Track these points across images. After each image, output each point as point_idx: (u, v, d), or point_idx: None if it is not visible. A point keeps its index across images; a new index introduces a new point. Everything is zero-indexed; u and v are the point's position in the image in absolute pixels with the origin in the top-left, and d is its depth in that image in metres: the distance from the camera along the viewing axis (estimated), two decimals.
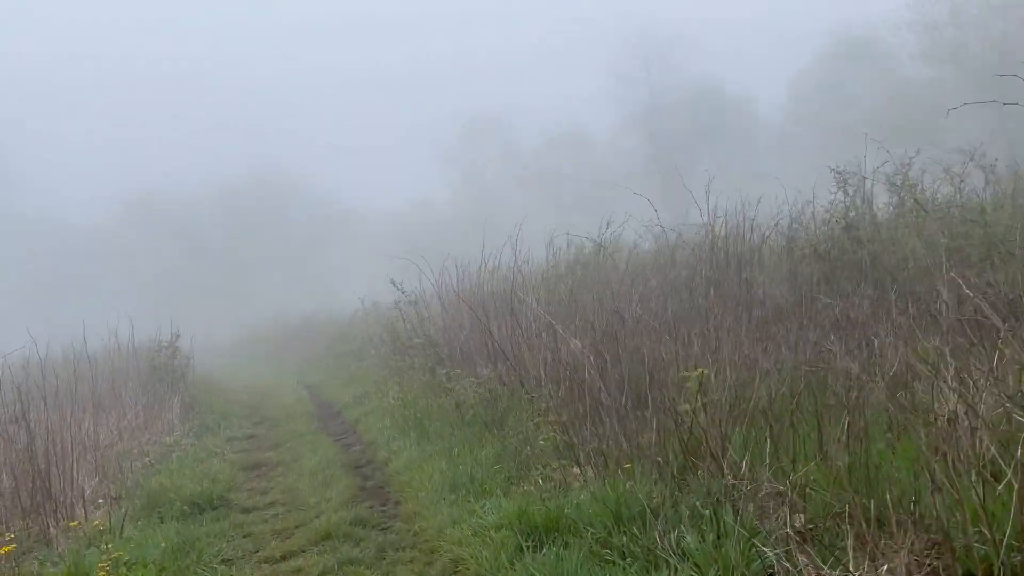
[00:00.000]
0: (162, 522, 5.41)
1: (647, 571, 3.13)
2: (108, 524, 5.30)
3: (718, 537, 3.14)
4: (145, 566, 4.37)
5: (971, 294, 3.61)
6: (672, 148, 48.86)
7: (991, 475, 2.69)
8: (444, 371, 9.11)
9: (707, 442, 3.75)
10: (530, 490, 4.51)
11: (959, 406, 2.93)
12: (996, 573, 2.43)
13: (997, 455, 2.70)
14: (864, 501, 2.82)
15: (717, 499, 3.38)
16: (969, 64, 33.81)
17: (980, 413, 2.85)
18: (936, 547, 2.68)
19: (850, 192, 8.45)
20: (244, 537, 5.06)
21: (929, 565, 2.63)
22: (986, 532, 2.46)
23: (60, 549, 5.04)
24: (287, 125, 76.22)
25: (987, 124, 28.45)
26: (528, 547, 3.61)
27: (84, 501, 5.97)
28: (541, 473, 4.82)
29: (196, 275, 52.84)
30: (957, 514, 2.59)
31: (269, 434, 9.39)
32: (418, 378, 8.84)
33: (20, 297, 49.77)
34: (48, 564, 4.65)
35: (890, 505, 2.79)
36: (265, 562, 4.52)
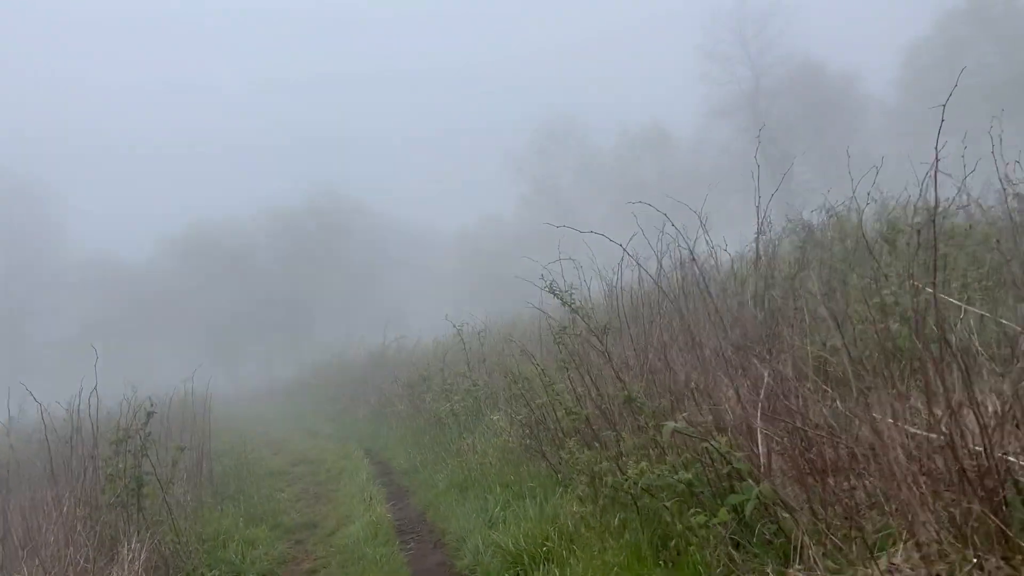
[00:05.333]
0: None
1: None
2: None
3: None
4: None
5: None
6: (776, 134, 42.48)
7: None
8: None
9: None
10: None
11: None
12: None
13: None
14: None
15: None
16: None
17: None
18: None
19: None
20: None
21: None
22: None
23: None
24: (343, 144, 72.53)
25: None
26: None
27: None
28: None
29: (253, 310, 48.56)
30: None
31: None
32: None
33: (78, 344, 46.18)
34: None
35: None
36: None
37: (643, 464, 4.13)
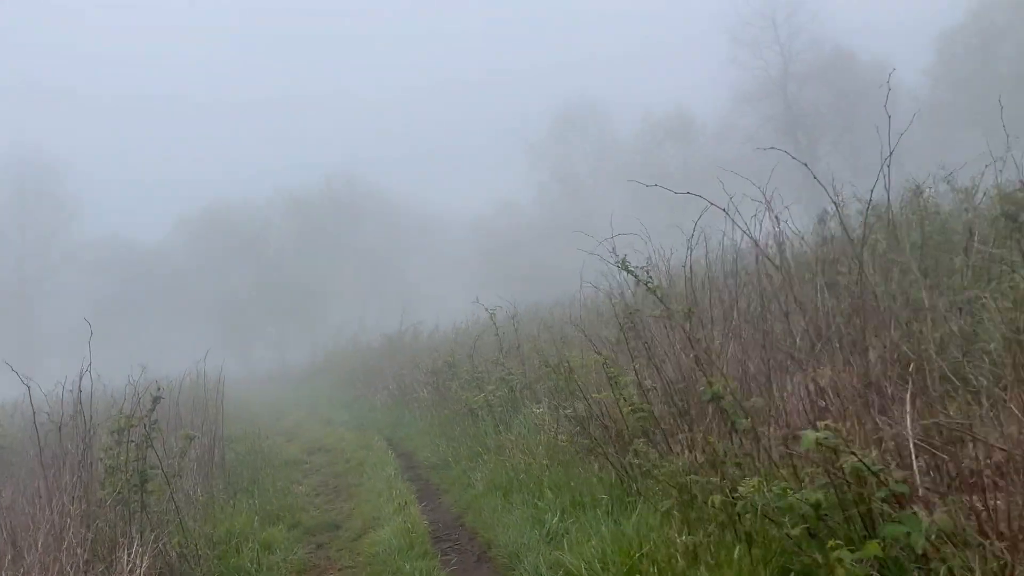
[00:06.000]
0: None
1: None
2: None
3: None
4: None
5: None
6: (805, 122, 41.36)
7: None
8: None
9: None
10: None
11: None
12: None
13: None
14: None
15: None
16: None
17: None
18: None
19: None
20: None
21: None
22: None
23: None
24: (361, 131, 71.85)
25: None
26: None
27: None
28: None
29: (267, 293, 47.97)
30: None
31: None
32: None
33: (93, 325, 45.60)
34: None
35: None
36: None
37: (756, 480, 3.35)
